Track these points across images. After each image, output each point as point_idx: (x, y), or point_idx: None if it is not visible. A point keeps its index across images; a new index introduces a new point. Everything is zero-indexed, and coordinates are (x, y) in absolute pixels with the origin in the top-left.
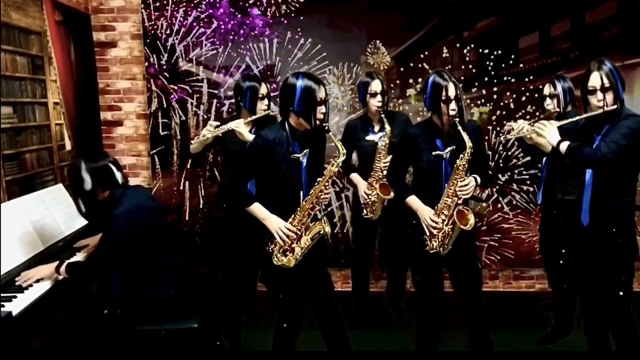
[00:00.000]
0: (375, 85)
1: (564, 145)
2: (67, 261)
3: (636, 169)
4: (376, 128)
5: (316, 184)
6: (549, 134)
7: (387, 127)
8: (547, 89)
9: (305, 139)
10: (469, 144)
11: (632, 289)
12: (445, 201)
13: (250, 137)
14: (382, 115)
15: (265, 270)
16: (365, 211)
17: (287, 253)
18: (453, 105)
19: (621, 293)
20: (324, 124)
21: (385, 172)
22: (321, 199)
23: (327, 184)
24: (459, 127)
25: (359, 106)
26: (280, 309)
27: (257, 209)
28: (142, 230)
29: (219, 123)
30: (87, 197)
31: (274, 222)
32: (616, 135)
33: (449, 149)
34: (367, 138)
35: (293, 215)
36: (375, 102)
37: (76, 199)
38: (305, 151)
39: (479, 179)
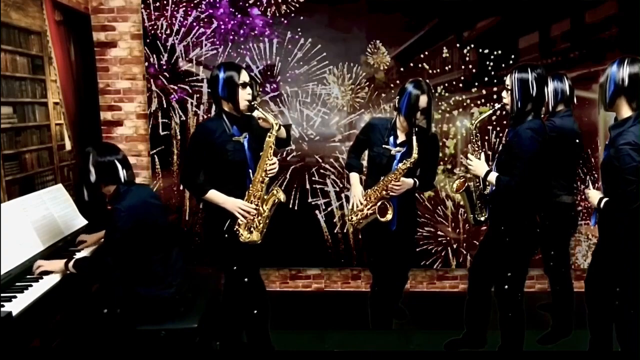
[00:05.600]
0: (422, 101)
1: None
2: (75, 257)
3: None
4: (399, 139)
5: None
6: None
7: (415, 155)
8: None
9: (244, 123)
10: (415, 155)
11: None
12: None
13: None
14: (414, 137)
15: (232, 255)
16: (350, 215)
17: (252, 229)
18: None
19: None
20: (253, 103)
21: (392, 193)
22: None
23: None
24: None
25: (359, 106)
26: (247, 293)
27: (214, 195)
28: (144, 227)
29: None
30: (91, 188)
31: (232, 203)
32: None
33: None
34: (384, 145)
35: (247, 193)
36: (414, 119)
37: (81, 187)
38: (244, 134)
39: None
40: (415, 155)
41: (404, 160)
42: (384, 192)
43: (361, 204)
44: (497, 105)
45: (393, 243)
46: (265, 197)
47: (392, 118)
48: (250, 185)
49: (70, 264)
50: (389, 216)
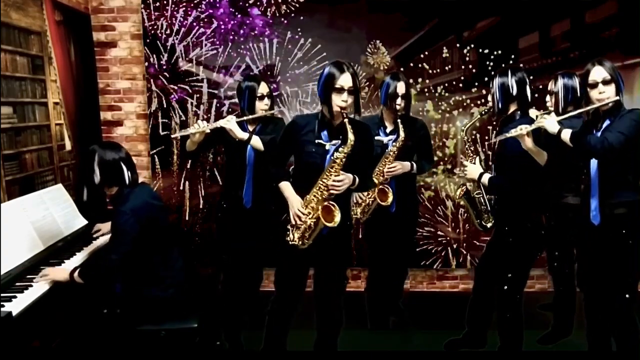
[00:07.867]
0: (400, 88)
1: (566, 133)
2: (79, 267)
3: (637, 163)
4: (388, 129)
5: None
6: (548, 123)
7: (402, 134)
8: (549, 85)
9: (339, 130)
10: (402, 134)
11: (637, 291)
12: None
13: (242, 134)
14: (399, 120)
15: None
16: (354, 210)
17: (298, 235)
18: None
19: (627, 295)
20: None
21: (387, 177)
22: (330, 187)
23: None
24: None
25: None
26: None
27: (285, 187)
28: (146, 229)
29: (206, 124)
30: (93, 188)
31: (292, 201)
32: (621, 126)
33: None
34: (377, 138)
35: (305, 198)
36: (395, 105)
37: (82, 186)
38: (334, 141)
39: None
40: (402, 134)
41: (393, 143)
42: (381, 178)
43: (364, 194)
44: (483, 110)
45: (393, 227)
46: (319, 211)
47: (378, 114)
48: (310, 192)
49: (76, 274)
50: (390, 199)
